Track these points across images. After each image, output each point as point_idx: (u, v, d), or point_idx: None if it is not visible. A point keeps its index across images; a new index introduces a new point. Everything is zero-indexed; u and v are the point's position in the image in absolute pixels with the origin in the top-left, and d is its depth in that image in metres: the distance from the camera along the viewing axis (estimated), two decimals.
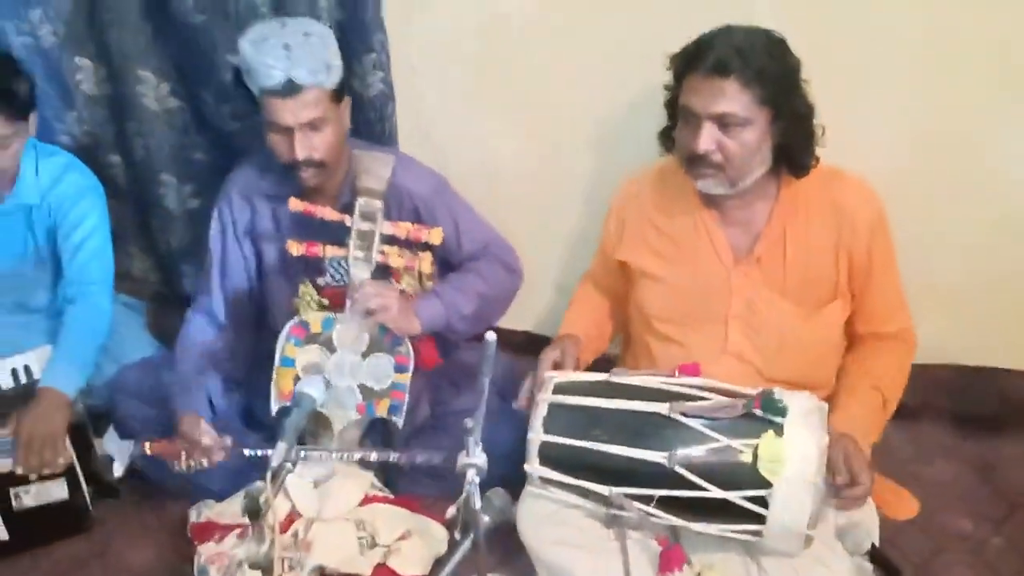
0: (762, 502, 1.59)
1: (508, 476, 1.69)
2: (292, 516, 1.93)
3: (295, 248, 1.95)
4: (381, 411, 2.00)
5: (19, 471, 1.94)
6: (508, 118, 2.30)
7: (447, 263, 2.15)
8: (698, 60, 1.69)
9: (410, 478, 2.12)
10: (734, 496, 1.60)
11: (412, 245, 2.00)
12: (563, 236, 2.40)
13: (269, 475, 1.57)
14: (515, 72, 2.22)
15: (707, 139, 1.69)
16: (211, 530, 1.96)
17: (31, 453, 1.93)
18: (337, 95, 1.95)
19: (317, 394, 1.80)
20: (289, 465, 1.64)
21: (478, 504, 1.49)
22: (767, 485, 1.58)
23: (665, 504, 1.66)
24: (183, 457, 1.90)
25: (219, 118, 2.44)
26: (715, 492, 1.61)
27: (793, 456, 1.58)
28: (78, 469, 2.02)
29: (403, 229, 1.97)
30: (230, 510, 1.99)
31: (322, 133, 1.93)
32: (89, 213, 2.25)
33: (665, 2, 2.00)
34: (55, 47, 2.42)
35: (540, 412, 1.74)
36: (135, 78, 2.44)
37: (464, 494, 1.49)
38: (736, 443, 1.61)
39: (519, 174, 2.35)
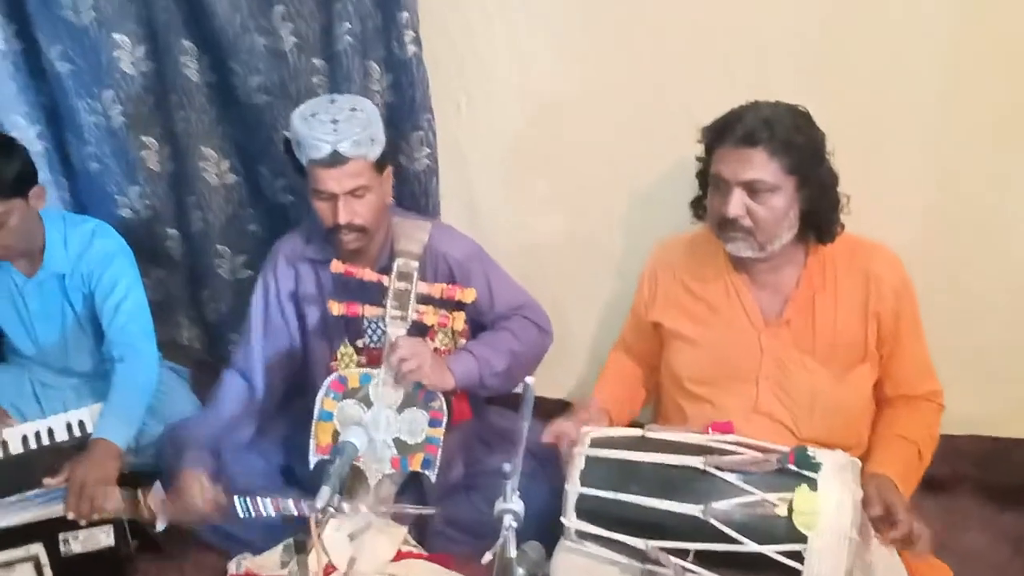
0: (798, 557, 1.61)
1: (542, 535, 1.69)
2: (328, 569, 1.97)
3: (336, 308, 2.05)
4: (415, 465, 2.05)
5: (70, 516, 1.99)
6: (546, 193, 2.42)
7: (480, 325, 2.23)
8: (728, 132, 1.80)
9: (444, 536, 2.15)
10: (769, 550, 1.62)
11: (446, 304, 2.10)
12: (597, 306, 2.49)
13: (313, 517, 1.63)
14: (553, 149, 2.36)
15: (737, 204, 1.79)
16: None
17: (83, 498, 1.99)
18: (380, 166, 2.08)
19: (359, 443, 1.88)
20: (332, 509, 1.70)
21: (514, 552, 1.54)
22: (802, 539, 1.61)
23: (701, 559, 1.68)
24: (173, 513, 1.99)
25: (273, 192, 2.59)
26: (750, 546, 1.64)
27: (828, 509, 1.61)
28: (125, 518, 2.07)
29: (437, 289, 2.06)
30: (269, 562, 2.03)
31: (364, 200, 2.05)
32: (121, 275, 2.36)
33: (694, 81, 2.14)
34: (123, 127, 2.58)
35: (577, 465, 1.79)
36: (198, 155, 2.60)
37: (500, 539, 1.54)
38: (771, 496, 1.64)
39: (555, 246, 2.46)
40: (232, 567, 2.07)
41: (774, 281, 1.93)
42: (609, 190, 2.36)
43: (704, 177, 1.93)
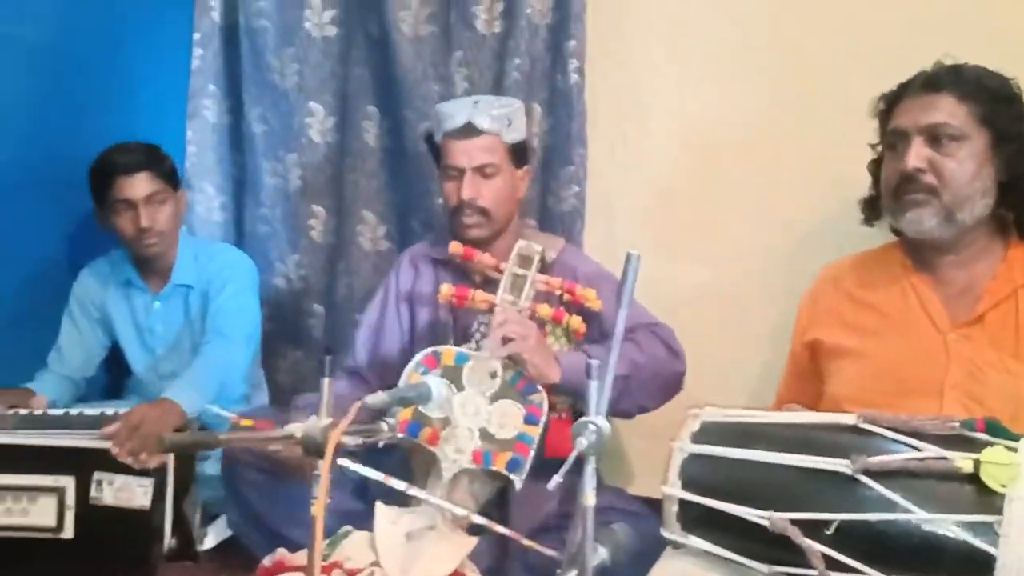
0: (987, 535, 1.12)
1: None
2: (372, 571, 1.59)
3: (445, 290, 1.88)
4: (499, 464, 1.69)
5: (115, 450, 1.79)
6: (695, 249, 2.23)
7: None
8: (908, 85, 1.58)
9: None
10: (945, 520, 1.14)
11: (567, 308, 1.88)
12: (742, 377, 2.12)
13: (358, 405, 1.34)
14: (706, 202, 2.21)
15: (917, 155, 1.51)
16: (278, 570, 1.64)
17: (134, 434, 1.80)
18: (515, 155, 2.00)
19: (436, 393, 1.60)
20: (386, 426, 1.42)
21: (592, 485, 1.19)
22: (995, 508, 1.13)
23: (847, 540, 1.20)
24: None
25: None
26: (918, 514, 1.16)
27: None
28: (169, 476, 1.82)
29: (558, 282, 1.87)
30: (305, 555, 1.66)
31: (491, 182, 1.96)
32: (234, 279, 2.34)
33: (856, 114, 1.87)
34: (298, 192, 2.67)
35: (690, 426, 1.41)
36: (358, 219, 2.62)
37: (574, 453, 1.20)
38: (948, 454, 1.19)
39: (699, 305, 2.19)
40: (265, 561, 1.72)
41: (964, 279, 1.56)
42: (762, 249, 2.13)
43: (877, 167, 1.68)
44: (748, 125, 2.13)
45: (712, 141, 2.18)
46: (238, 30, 2.65)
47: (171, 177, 2.31)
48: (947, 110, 1.51)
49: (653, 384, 1.88)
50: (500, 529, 1.64)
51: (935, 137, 1.51)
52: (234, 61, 2.70)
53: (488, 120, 1.95)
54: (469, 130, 1.94)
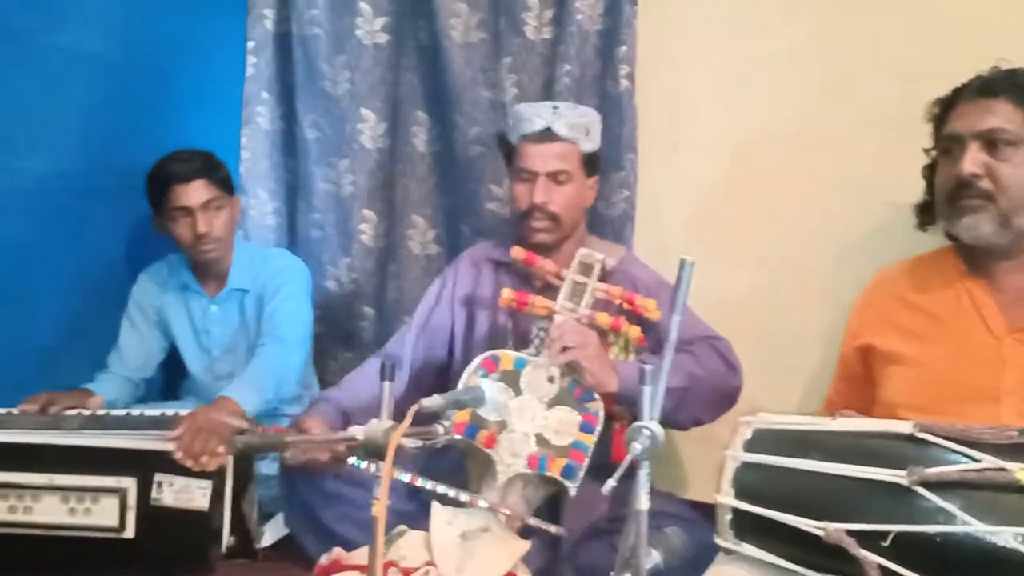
0: None
1: None
2: (427, 571, 1.62)
3: (506, 293, 1.90)
4: (554, 470, 1.72)
5: (178, 455, 1.84)
6: (744, 254, 2.23)
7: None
8: (963, 90, 1.57)
9: None
10: (1005, 534, 1.14)
11: (626, 317, 1.89)
12: (793, 384, 2.12)
13: (412, 411, 1.37)
14: (756, 204, 2.21)
15: (972, 160, 1.50)
16: (334, 569, 1.68)
17: (195, 438, 1.85)
18: (588, 164, 2.02)
19: (490, 394, 1.62)
20: (441, 429, 1.44)
21: (646, 488, 1.20)
22: None
23: (904, 551, 1.20)
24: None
25: None
26: (976, 526, 1.16)
27: None
28: (228, 478, 1.87)
29: (617, 292, 1.88)
30: (361, 554, 1.70)
31: (563, 188, 1.98)
32: (288, 283, 2.38)
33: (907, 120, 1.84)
34: (350, 197, 2.71)
35: (742, 434, 1.41)
36: (408, 223, 2.67)
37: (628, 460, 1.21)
38: (1007, 464, 1.19)
39: (749, 314, 2.18)
40: (322, 560, 1.76)
41: (1021, 284, 1.55)
42: (811, 253, 2.13)
43: (931, 173, 1.67)
44: (797, 130, 2.13)
45: (761, 146, 2.18)
46: (291, 38, 2.70)
47: (226, 184, 2.36)
48: (1003, 115, 1.50)
49: (711, 398, 1.89)
50: (554, 530, 1.67)
51: (991, 142, 1.50)
52: (287, 69, 2.75)
53: (567, 128, 1.97)
54: (547, 135, 1.97)
